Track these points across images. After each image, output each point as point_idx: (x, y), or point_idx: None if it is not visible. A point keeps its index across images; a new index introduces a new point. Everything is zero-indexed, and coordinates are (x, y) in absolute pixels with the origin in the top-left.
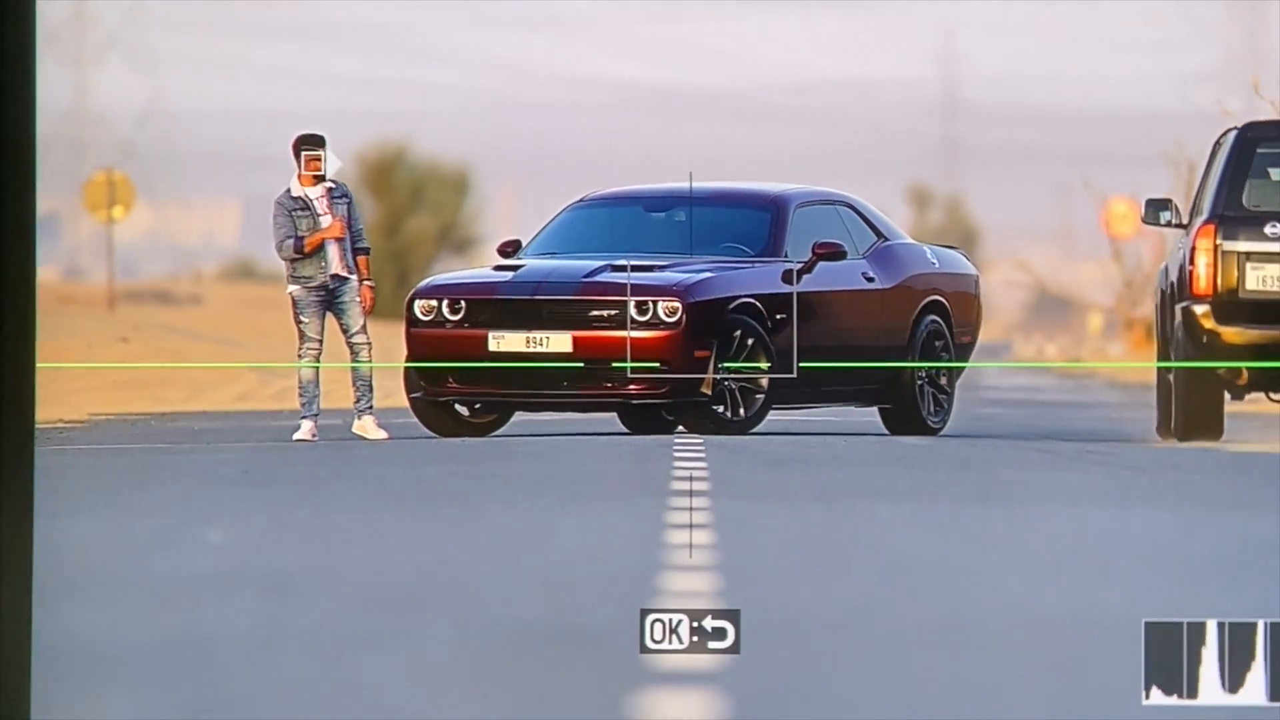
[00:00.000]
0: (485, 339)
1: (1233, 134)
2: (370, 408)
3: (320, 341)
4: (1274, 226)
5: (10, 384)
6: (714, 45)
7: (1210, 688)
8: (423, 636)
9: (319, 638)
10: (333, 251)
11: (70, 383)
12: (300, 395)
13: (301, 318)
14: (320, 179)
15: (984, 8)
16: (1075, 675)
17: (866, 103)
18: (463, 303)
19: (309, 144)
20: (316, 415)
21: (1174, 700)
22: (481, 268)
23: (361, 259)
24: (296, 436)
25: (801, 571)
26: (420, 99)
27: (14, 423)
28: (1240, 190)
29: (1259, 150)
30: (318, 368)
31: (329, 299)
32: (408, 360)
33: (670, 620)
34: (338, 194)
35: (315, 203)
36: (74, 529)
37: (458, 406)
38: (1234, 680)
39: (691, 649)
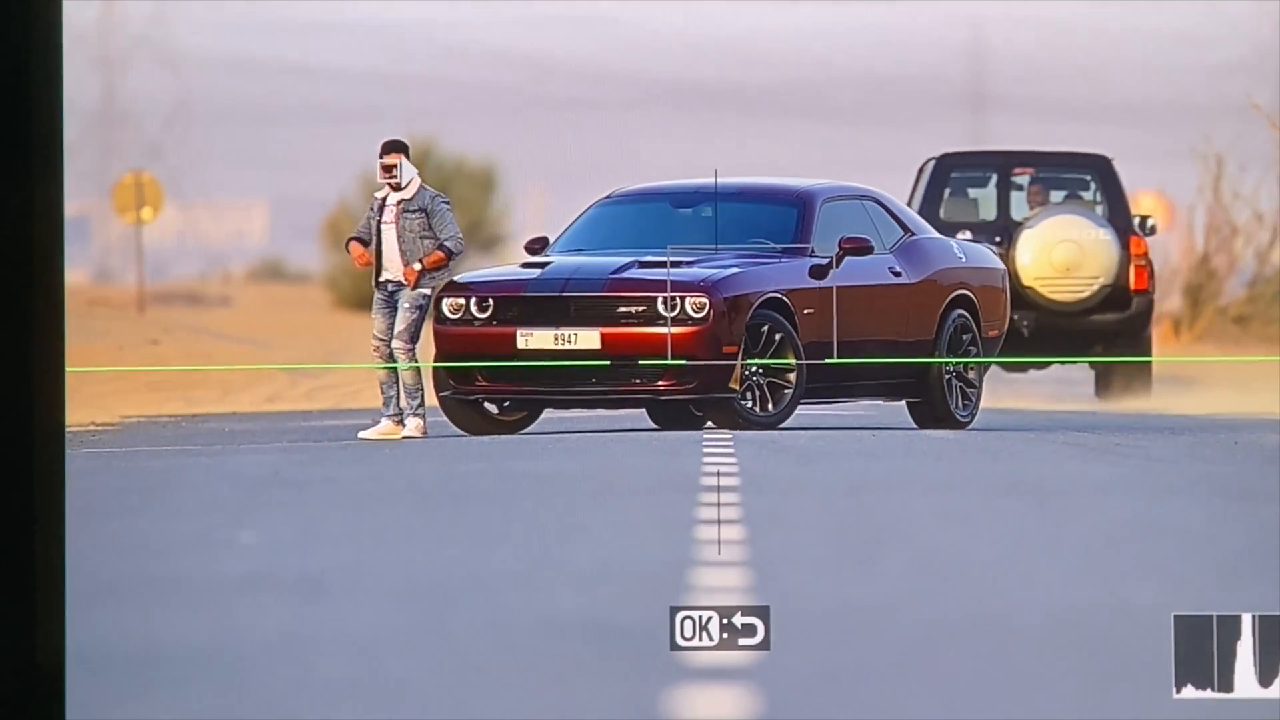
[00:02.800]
0: (513, 336)
1: (932, 162)
2: (409, 412)
3: (384, 342)
4: (964, 234)
5: (40, 387)
6: (741, 42)
7: (1244, 681)
8: (454, 635)
9: (351, 637)
10: (388, 256)
11: (101, 385)
12: (380, 392)
13: (373, 312)
14: (396, 188)
15: (1011, 3)
16: (1107, 669)
17: (894, 98)
18: (490, 300)
19: (383, 151)
20: (396, 415)
21: (1206, 694)
22: (509, 265)
23: (435, 254)
24: (364, 434)
25: (832, 566)
26: (446, 97)
27: (45, 426)
28: (939, 206)
29: (953, 174)
30: (379, 367)
31: (391, 300)
32: (436, 358)
33: (700, 617)
34: (411, 207)
35: (386, 209)
36: (106, 531)
37: (487, 404)
38: (1267, 673)
39: (721, 646)
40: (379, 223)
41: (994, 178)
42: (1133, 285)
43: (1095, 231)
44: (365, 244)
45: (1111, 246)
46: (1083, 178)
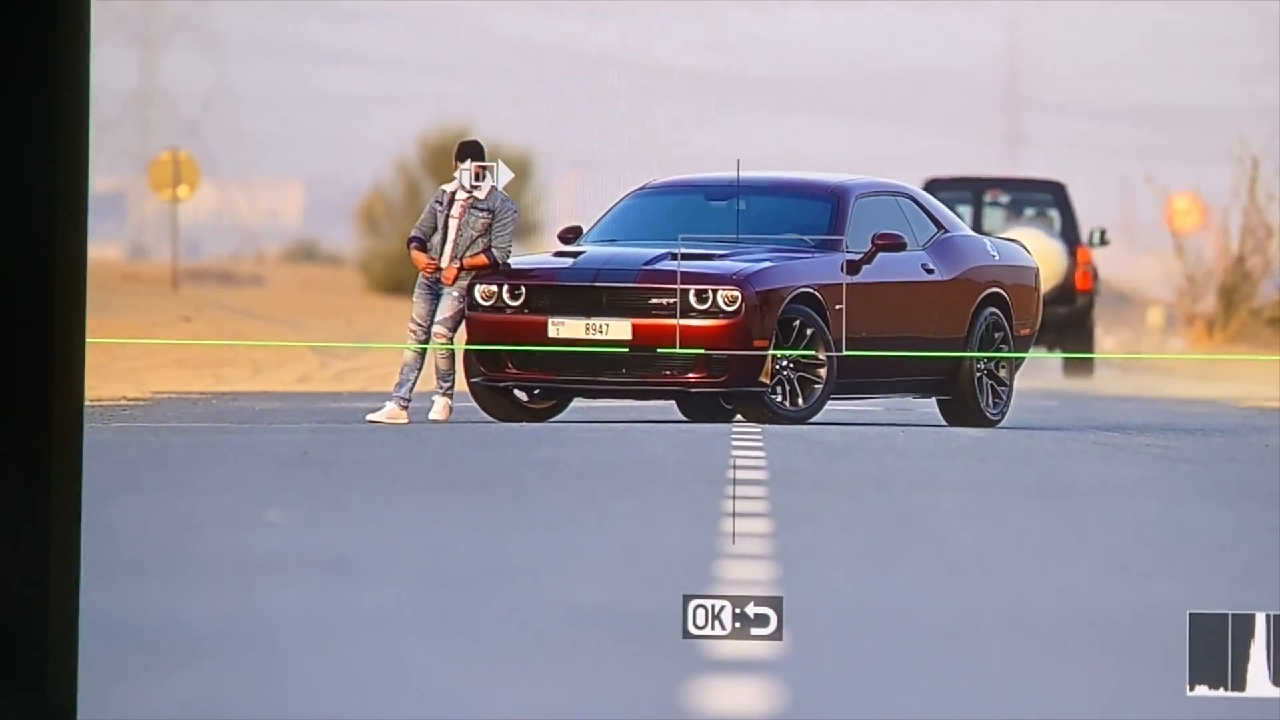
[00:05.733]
0: (545, 325)
1: (921, 184)
2: (439, 393)
3: (421, 327)
4: None
5: (61, 362)
6: (777, 36)
7: (1257, 680)
8: (474, 619)
9: (374, 619)
10: (446, 247)
11: (133, 360)
12: (398, 374)
13: (414, 295)
14: (472, 188)
15: (1048, 2)
16: (1123, 668)
17: (928, 95)
18: (523, 288)
19: (459, 155)
20: (404, 399)
21: (1219, 693)
22: (542, 254)
23: (479, 257)
24: (371, 417)
25: (857, 561)
26: (483, 84)
27: (64, 400)
28: None
29: (940, 194)
30: (414, 350)
31: (436, 287)
32: (468, 344)
33: (713, 606)
34: (481, 205)
35: (455, 204)
36: (134, 505)
37: (517, 392)
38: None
39: (734, 635)
40: (446, 216)
41: (970, 197)
42: (1078, 286)
43: (1047, 242)
44: (425, 246)
45: (1061, 255)
46: (1047, 197)
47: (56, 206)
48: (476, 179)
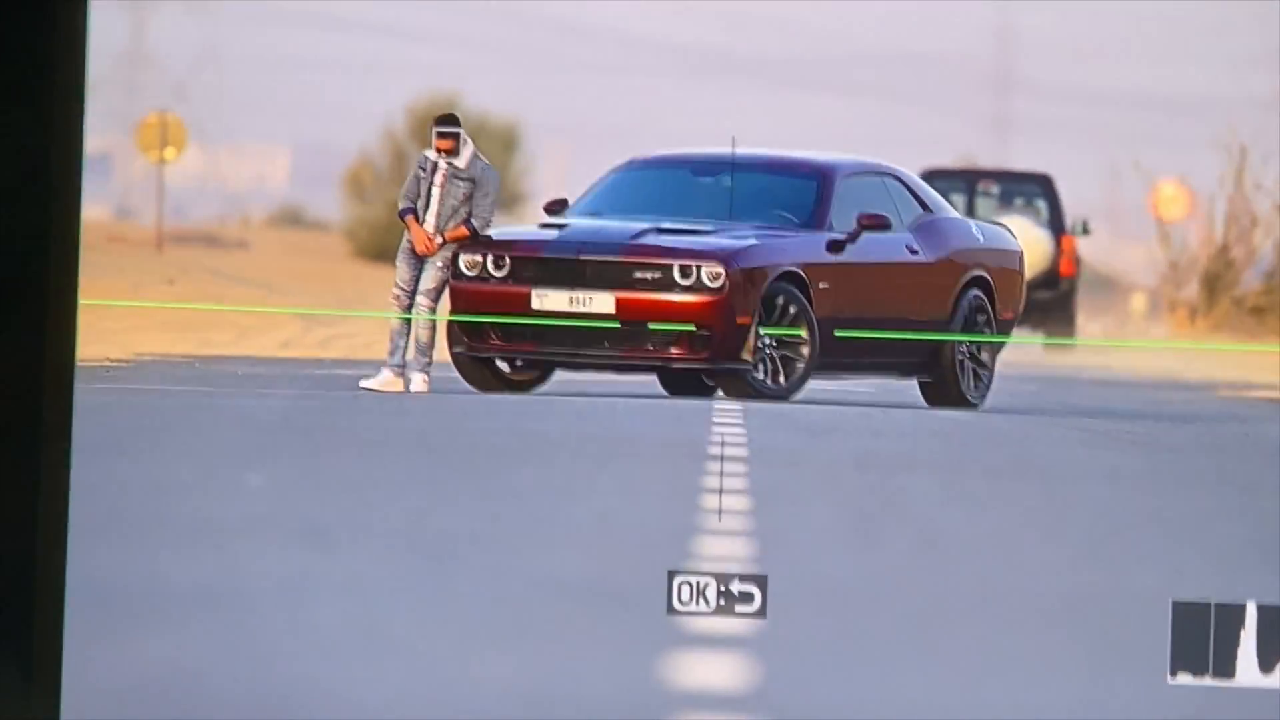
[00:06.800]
0: (528, 296)
1: (918, 171)
2: (417, 368)
3: (405, 292)
4: None
5: (53, 323)
6: (768, 12)
7: (1245, 668)
8: (454, 589)
9: (353, 587)
10: (429, 216)
11: (117, 321)
12: (389, 341)
13: (396, 260)
14: (449, 156)
15: None
16: (1103, 653)
17: (918, 76)
18: (507, 259)
19: (438, 123)
20: (399, 366)
21: (1202, 680)
22: (527, 225)
23: (460, 229)
24: (365, 384)
25: (835, 540)
26: (472, 54)
27: (55, 361)
28: None
29: (935, 183)
30: (397, 317)
31: (421, 254)
32: (451, 314)
33: (697, 583)
34: (462, 175)
35: (436, 173)
36: (115, 468)
37: (499, 363)
38: (1267, 661)
39: (718, 612)
40: (430, 184)
41: (965, 187)
42: (1062, 272)
43: (1034, 231)
44: (418, 216)
45: (1047, 242)
46: (1035, 189)
47: (50, 168)
48: (450, 152)
